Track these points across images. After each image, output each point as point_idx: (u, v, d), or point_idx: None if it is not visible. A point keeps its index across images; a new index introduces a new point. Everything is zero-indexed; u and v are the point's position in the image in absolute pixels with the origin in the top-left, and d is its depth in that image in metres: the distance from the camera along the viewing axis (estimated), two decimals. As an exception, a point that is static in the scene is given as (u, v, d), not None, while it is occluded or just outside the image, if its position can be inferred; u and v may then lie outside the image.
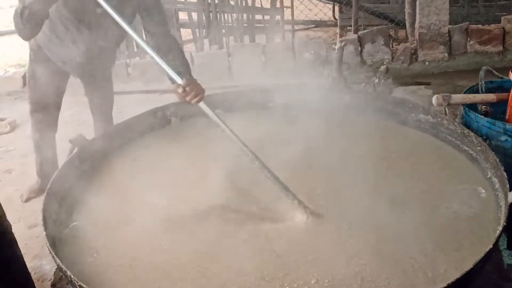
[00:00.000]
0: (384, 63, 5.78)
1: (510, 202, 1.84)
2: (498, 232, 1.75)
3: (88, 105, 3.48)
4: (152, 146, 2.80)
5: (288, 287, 1.74)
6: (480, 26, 5.99)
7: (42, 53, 2.94)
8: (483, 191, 2.17)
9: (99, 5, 2.18)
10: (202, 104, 2.26)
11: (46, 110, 3.22)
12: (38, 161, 3.47)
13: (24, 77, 6.02)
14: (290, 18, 7.32)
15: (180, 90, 2.26)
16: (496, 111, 2.88)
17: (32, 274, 2.43)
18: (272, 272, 1.81)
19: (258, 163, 2.16)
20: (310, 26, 8.50)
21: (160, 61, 2.21)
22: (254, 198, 2.25)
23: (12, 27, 2.52)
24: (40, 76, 3.03)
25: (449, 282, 1.54)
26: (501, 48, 5.85)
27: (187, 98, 2.26)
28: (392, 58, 5.96)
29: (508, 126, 2.60)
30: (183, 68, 2.51)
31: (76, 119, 4.77)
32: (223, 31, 6.78)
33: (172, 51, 2.59)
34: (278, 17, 6.98)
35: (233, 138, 2.18)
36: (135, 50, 6.79)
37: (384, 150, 2.60)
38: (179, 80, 2.27)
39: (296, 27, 7.77)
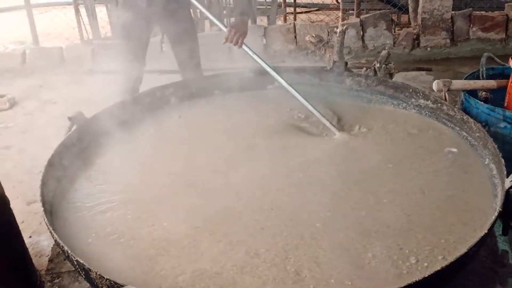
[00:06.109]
0: (386, 48, 5.74)
1: (507, 188, 1.85)
2: (493, 217, 1.76)
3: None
4: (150, 126, 2.80)
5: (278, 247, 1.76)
6: (483, 12, 5.95)
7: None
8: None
9: None
10: (244, 47, 2.74)
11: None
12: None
13: (23, 54, 5.98)
14: (292, 0, 7.26)
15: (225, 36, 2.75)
16: (496, 98, 2.88)
17: (29, 250, 2.45)
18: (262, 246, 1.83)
19: (290, 89, 2.66)
20: (312, 9, 8.44)
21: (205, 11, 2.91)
22: (260, 179, 2.27)
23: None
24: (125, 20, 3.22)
25: (443, 265, 1.55)
26: (504, 35, 5.82)
27: (231, 43, 2.74)
28: (394, 43, 5.93)
29: (507, 112, 2.60)
30: (241, 7, 2.92)
31: (74, 97, 4.76)
32: (224, 12, 6.73)
33: None
34: (280, -1, 6.93)
35: (273, 73, 2.71)
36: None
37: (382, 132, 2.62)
38: (223, 28, 2.76)
39: (298, 9, 7.71)
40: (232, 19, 6.82)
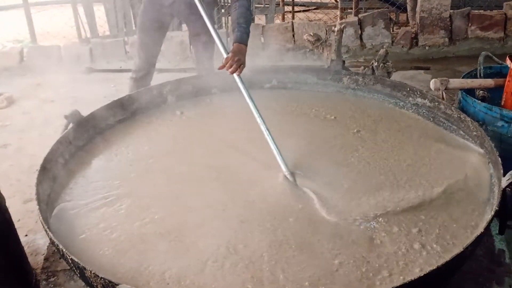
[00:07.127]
0: (384, 46, 5.72)
1: (504, 187, 1.84)
2: (490, 217, 1.76)
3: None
4: (150, 123, 2.81)
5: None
6: (481, 11, 5.95)
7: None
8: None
9: None
10: (236, 76, 2.54)
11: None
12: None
13: (21, 52, 5.97)
14: (290, -1, 7.27)
15: (224, 62, 2.57)
16: (494, 97, 2.88)
17: (25, 249, 2.44)
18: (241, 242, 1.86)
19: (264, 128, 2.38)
20: (310, 8, 8.44)
21: (213, 32, 2.62)
22: (245, 175, 2.30)
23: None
24: (148, 17, 3.39)
25: (440, 264, 1.55)
26: (502, 34, 5.81)
27: (228, 70, 2.55)
28: (392, 42, 5.92)
29: (505, 111, 2.60)
30: (240, 30, 2.76)
31: (72, 96, 4.75)
32: (222, 10, 6.72)
33: (241, 7, 2.84)
34: (278, -2, 6.92)
35: (254, 112, 2.43)
36: (133, 28, 6.74)
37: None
38: (224, 53, 2.58)
39: (296, 8, 7.71)
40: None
